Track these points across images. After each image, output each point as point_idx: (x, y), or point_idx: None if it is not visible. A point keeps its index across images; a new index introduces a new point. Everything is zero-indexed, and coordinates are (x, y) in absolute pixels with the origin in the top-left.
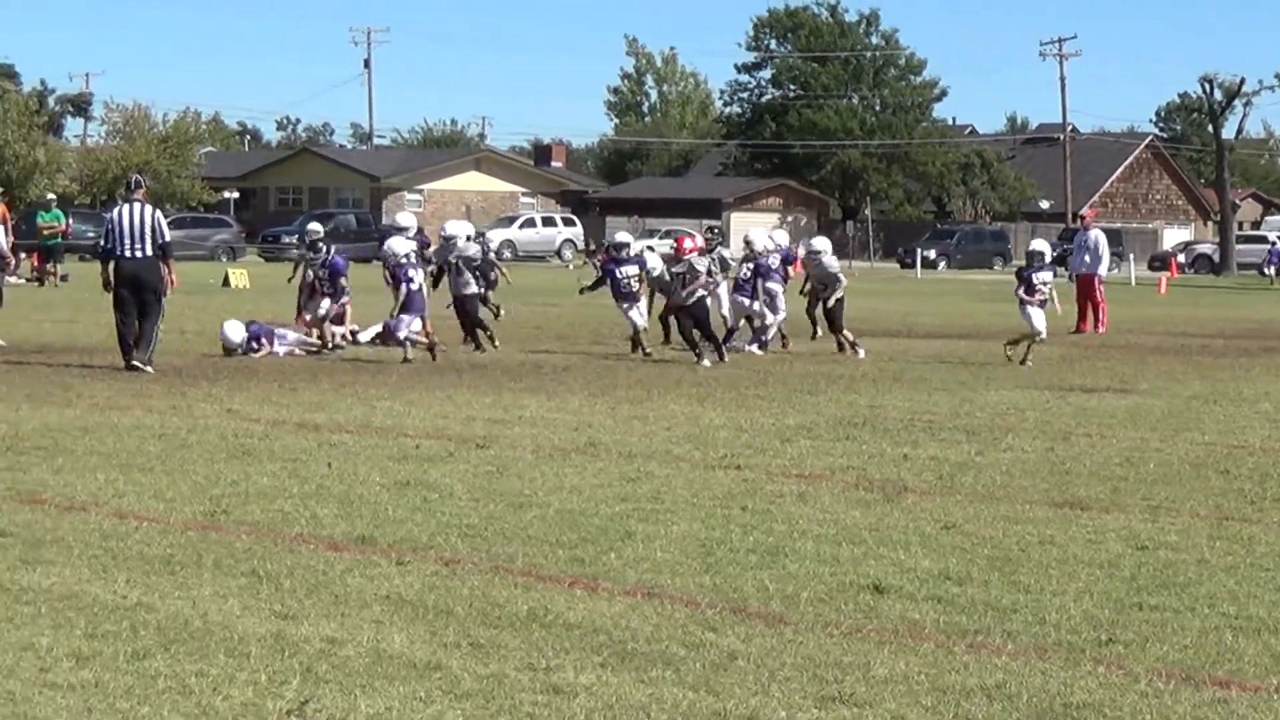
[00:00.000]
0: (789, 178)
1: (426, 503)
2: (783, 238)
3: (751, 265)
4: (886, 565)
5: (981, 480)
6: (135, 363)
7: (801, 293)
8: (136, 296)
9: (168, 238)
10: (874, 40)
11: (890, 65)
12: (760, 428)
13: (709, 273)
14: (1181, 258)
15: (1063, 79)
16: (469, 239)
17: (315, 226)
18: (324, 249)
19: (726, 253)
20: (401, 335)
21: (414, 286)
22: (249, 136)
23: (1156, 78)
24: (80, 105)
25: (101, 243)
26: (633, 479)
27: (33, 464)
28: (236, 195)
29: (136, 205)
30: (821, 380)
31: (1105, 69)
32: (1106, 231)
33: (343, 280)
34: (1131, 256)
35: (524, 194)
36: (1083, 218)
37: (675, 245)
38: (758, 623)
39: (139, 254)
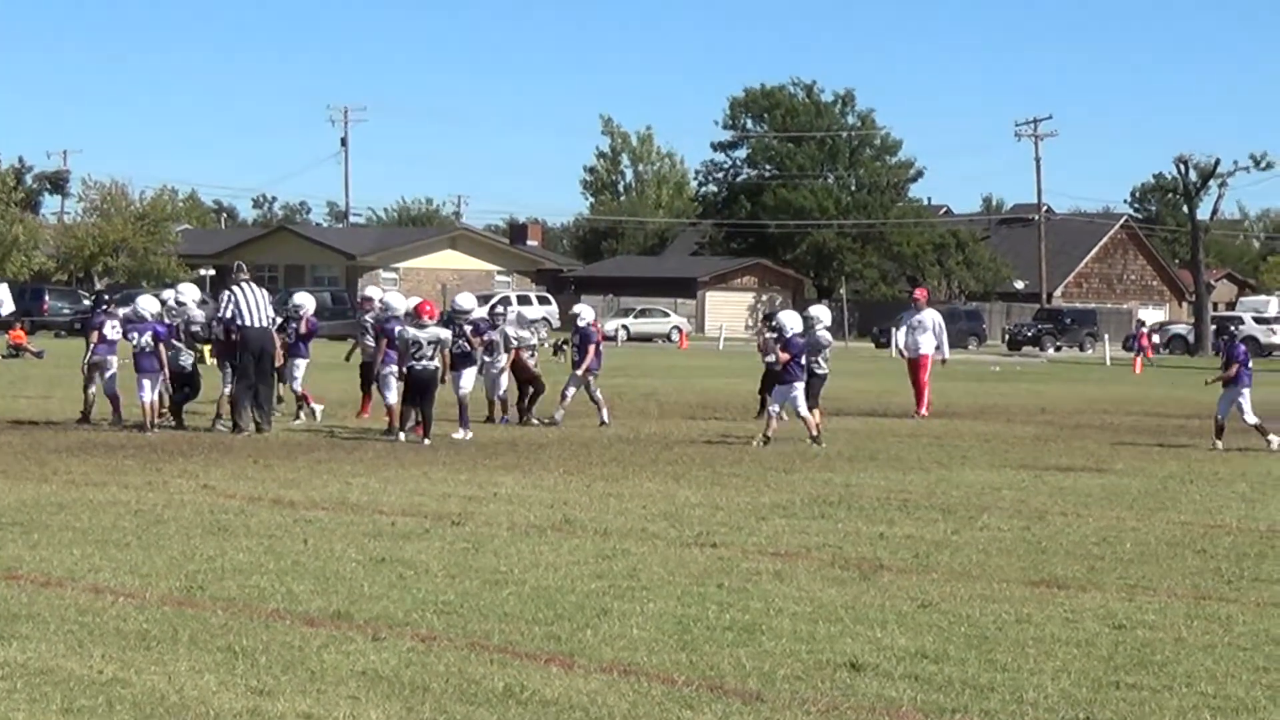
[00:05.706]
0: (764, 257)
1: (402, 579)
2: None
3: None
4: (863, 643)
5: (958, 559)
6: (262, 425)
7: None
8: (258, 362)
9: (273, 312)
10: (850, 120)
11: (866, 145)
12: (736, 506)
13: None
14: (1156, 338)
15: (1038, 159)
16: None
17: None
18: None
19: (506, 332)
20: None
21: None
22: (225, 214)
23: (1131, 158)
24: (58, 183)
25: (224, 314)
26: (608, 556)
27: (8, 540)
28: (212, 273)
29: (248, 285)
30: (797, 459)
31: (1080, 150)
32: (1081, 312)
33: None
34: (1106, 337)
35: (500, 272)
36: (914, 296)
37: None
38: (734, 700)
39: (262, 323)
